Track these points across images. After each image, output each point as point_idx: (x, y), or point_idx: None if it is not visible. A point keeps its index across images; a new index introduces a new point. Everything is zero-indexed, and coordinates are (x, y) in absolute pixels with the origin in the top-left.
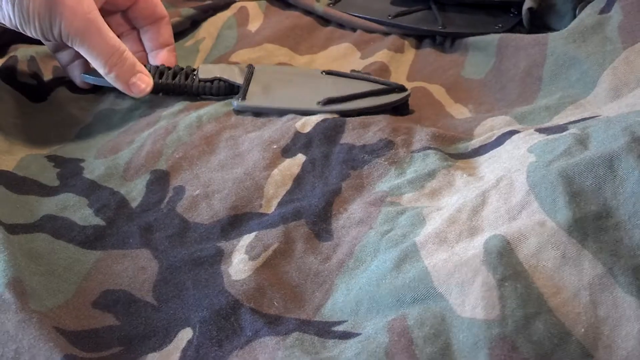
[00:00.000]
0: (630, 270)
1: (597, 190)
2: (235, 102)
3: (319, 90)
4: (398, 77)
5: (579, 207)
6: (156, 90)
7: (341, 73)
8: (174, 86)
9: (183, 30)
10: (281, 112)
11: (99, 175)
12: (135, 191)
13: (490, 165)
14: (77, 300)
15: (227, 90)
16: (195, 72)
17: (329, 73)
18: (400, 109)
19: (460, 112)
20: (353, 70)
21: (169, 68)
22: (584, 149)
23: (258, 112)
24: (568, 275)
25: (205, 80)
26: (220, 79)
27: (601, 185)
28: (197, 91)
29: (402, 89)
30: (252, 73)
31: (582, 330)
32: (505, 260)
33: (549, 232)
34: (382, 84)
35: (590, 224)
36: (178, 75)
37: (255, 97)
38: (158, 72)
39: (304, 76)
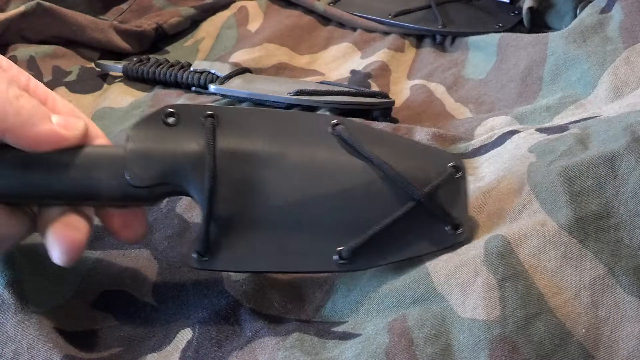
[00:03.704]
0: (631, 270)
1: (598, 190)
2: (212, 86)
3: (296, 86)
4: (398, 76)
5: (580, 207)
6: (152, 80)
7: (333, 83)
8: (168, 76)
9: (183, 30)
10: (254, 100)
11: None
12: None
13: (490, 165)
14: (77, 301)
15: (214, 82)
16: (189, 66)
17: (323, 83)
18: (383, 115)
19: (460, 112)
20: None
21: (167, 60)
22: (584, 148)
23: (231, 100)
24: (569, 275)
25: (196, 72)
26: (209, 72)
27: (602, 185)
28: (187, 81)
29: (384, 96)
30: (243, 71)
31: (583, 330)
32: (505, 261)
33: (549, 232)
34: (368, 95)
35: (591, 224)
36: (173, 67)
37: (232, 85)
38: (156, 63)
39: (292, 80)
